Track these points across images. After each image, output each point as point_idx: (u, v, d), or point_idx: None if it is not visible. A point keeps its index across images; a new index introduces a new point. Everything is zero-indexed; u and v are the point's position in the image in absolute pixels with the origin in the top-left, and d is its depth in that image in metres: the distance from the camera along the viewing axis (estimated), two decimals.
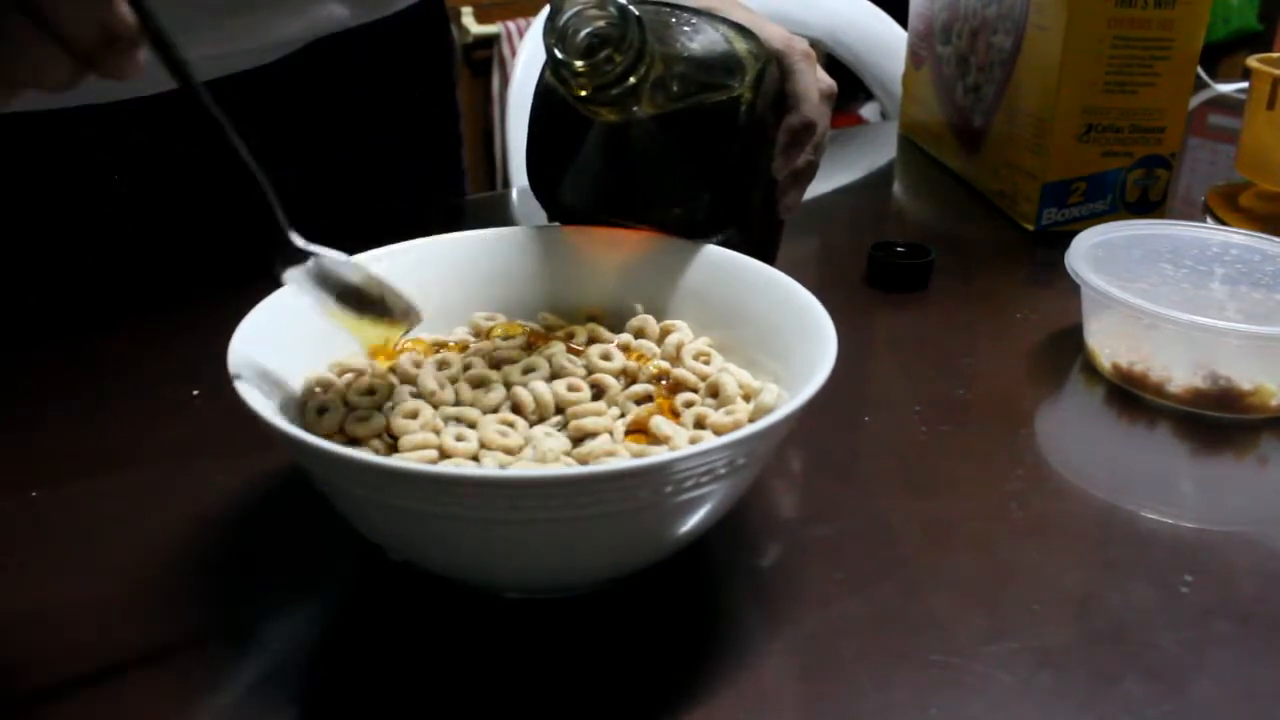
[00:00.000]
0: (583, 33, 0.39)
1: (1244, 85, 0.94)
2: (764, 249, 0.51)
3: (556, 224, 0.47)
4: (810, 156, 0.49)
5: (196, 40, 0.56)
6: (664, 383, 0.41)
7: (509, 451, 0.36)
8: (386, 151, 0.72)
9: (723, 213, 0.47)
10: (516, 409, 0.39)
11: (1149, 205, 0.70)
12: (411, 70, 0.72)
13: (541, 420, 0.39)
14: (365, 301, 0.38)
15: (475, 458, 0.36)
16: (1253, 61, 0.73)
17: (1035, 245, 0.69)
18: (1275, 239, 0.55)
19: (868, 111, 2.28)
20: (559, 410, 0.39)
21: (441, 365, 0.41)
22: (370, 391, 0.39)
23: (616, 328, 0.45)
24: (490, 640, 0.35)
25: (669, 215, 0.46)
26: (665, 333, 0.43)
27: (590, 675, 0.34)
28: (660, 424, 0.37)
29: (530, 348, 0.43)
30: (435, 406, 0.38)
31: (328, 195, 0.68)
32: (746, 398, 0.39)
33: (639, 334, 0.43)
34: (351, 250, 0.43)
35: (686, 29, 0.44)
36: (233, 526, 0.40)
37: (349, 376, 0.40)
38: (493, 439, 0.36)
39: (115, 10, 0.32)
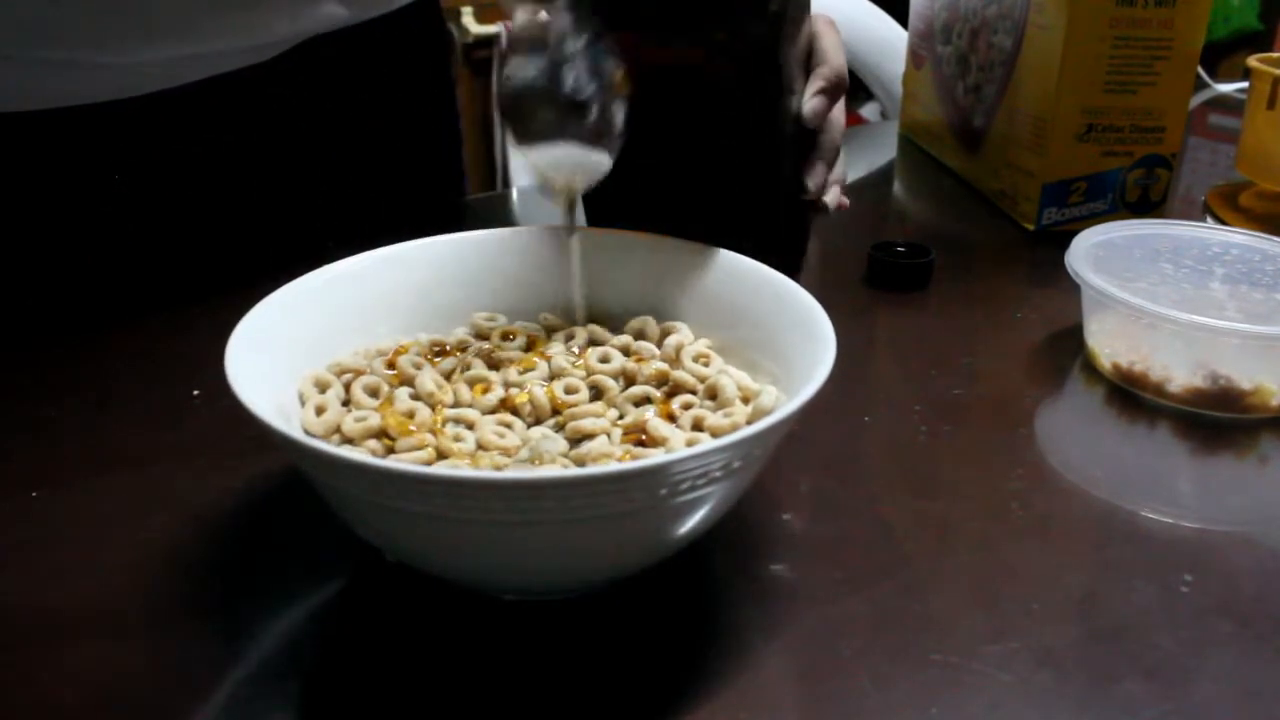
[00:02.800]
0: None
1: (1244, 85, 0.94)
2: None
3: (556, 225, 0.47)
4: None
5: (194, 36, 0.56)
6: (664, 387, 0.41)
7: (506, 453, 0.36)
8: (386, 151, 0.72)
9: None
10: (513, 410, 0.39)
11: (1149, 205, 0.70)
12: (408, 69, 0.72)
13: (539, 422, 0.39)
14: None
15: (473, 459, 0.36)
16: (1253, 61, 0.73)
17: (1035, 245, 0.69)
18: (1275, 239, 0.55)
19: (868, 111, 2.28)
20: (557, 411, 0.39)
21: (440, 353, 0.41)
22: (369, 392, 0.39)
23: (616, 329, 0.45)
24: (488, 641, 0.35)
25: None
26: (665, 334, 0.43)
27: (589, 676, 0.34)
28: (658, 426, 0.37)
29: (530, 348, 0.43)
30: (433, 407, 0.38)
31: (328, 195, 0.68)
32: (745, 400, 0.39)
33: (639, 335, 0.43)
34: (352, 250, 0.43)
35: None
36: (233, 526, 0.40)
37: (348, 377, 0.40)
38: (490, 440, 0.36)
39: None
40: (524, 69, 0.37)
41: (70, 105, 0.55)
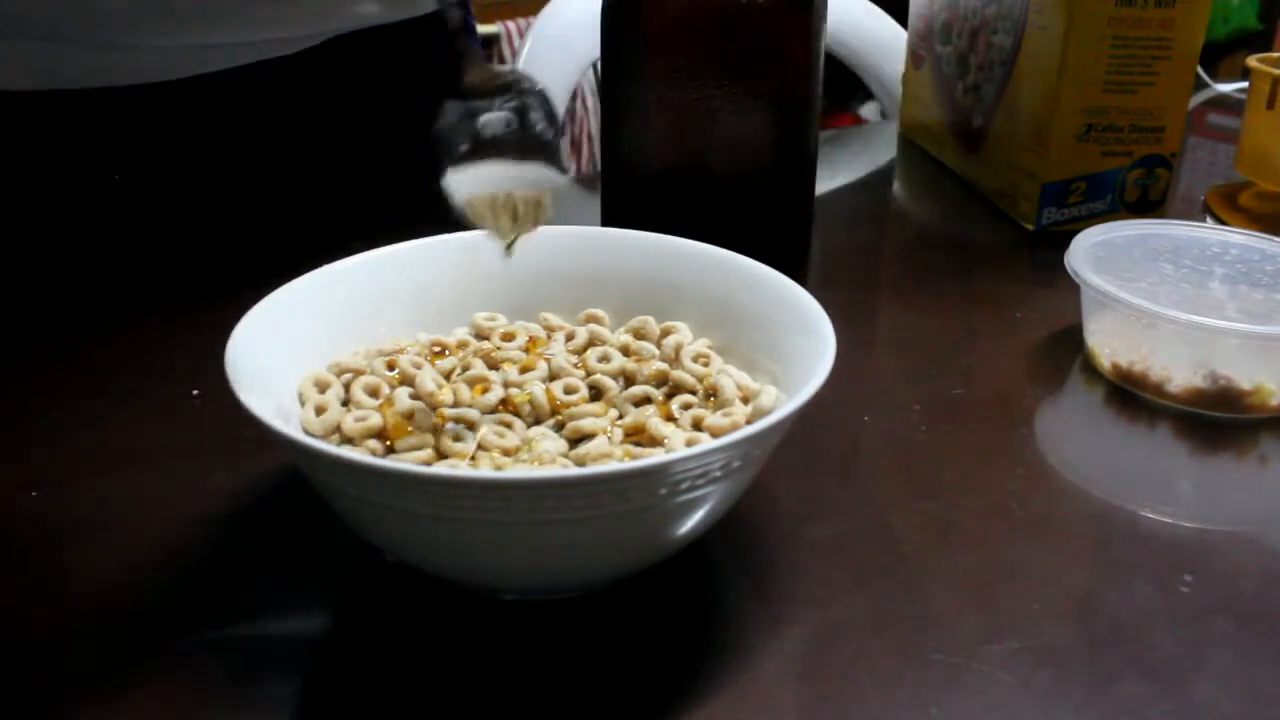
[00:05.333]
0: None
1: (1244, 85, 0.94)
2: None
3: (556, 225, 0.47)
4: None
5: (227, 25, 0.57)
6: (664, 387, 0.41)
7: (506, 453, 0.36)
8: (393, 152, 0.72)
9: None
10: (513, 410, 0.39)
11: (1149, 205, 0.70)
12: (427, 73, 0.72)
13: (539, 422, 0.39)
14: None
15: (472, 459, 0.36)
16: (1253, 61, 0.73)
17: (1035, 245, 0.69)
18: (1275, 239, 0.55)
19: (868, 111, 2.28)
20: (556, 411, 0.39)
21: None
22: (369, 392, 0.39)
23: (617, 328, 0.45)
24: (488, 641, 0.35)
25: None
26: (665, 334, 0.43)
27: (589, 676, 0.34)
28: (657, 426, 0.37)
29: (530, 349, 0.43)
30: (434, 407, 0.38)
31: (331, 194, 0.68)
32: (745, 400, 0.39)
33: (639, 335, 0.43)
34: (352, 250, 0.43)
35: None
36: (233, 526, 0.40)
37: (347, 377, 0.40)
38: (490, 440, 0.36)
39: None
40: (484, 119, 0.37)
41: (91, 87, 0.55)
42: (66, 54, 0.54)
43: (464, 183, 0.37)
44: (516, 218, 0.38)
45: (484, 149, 0.36)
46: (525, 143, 0.37)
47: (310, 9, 0.59)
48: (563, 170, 0.38)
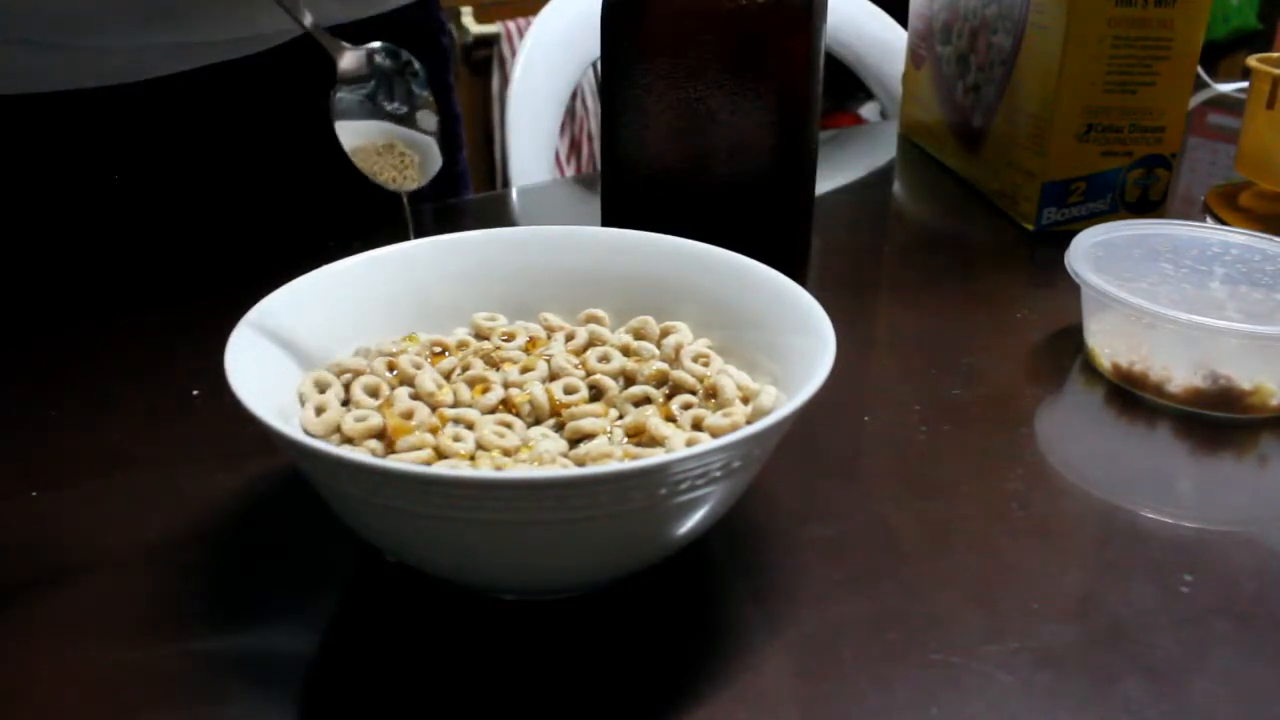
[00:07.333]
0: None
1: (1244, 85, 0.94)
2: None
3: (556, 225, 0.47)
4: None
5: (186, 25, 0.56)
6: (664, 387, 0.41)
7: (506, 453, 0.36)
8: None
9: None
10: (514, 410, 0.39)
11: (1149, 205, 0.70)
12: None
13: (539, 422, 0.39)
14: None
15: (472, 459, 0.36)
16: (1253, 61, 0.73)
17: (1035, 245, 0.69)
18: (1275, 239, 0.55)
19: (868, 111, 2.28)
20: (557, 411, 0.39)
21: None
22: (369, 392, 0.39)
23: (616, 328, 0.45)
24: (488, 641, 0.35)
25: None
26: (665, 334, 0.43)
27: (589, 676, 0.34)
28: (657, 426, 0.37)
29: (530, 349, 0.43)
30: (433, 407, 0.38)
31: (327, 194, 0.68)
32: (745, 400, 0.39)
33: (639, 335, 0.43)
34: (352, 250, 0.43)
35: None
36: (233, 526, 0.40)
37: (347, 377, 0.40)
38: (490, 440, 0.36)
39: None
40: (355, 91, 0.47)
41: (65, 90, 0.55)
42: (34, 56, 0.54)
43: (347, 134, 0.47)
44: (402, 165, 0.47)
45: (358, 112, 0.47)
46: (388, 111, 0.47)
47: (262, 9, 0.59)
48: (425, 131, 0.47)
